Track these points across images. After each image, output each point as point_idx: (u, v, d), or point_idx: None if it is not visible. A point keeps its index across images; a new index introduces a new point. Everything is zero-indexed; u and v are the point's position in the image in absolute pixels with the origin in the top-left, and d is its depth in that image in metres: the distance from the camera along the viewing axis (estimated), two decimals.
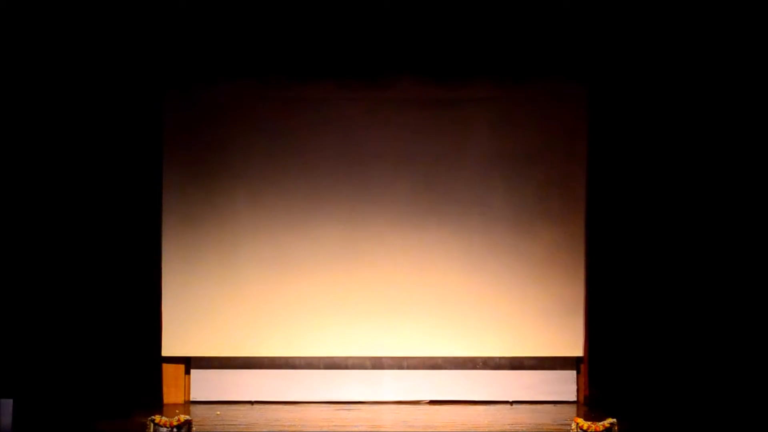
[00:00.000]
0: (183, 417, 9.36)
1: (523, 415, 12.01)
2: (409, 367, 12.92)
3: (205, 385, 12.83)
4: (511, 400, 12.77)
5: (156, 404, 12.29)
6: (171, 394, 12.72)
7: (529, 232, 12.79)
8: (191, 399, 12.81)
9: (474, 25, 12.40)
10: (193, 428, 9.42)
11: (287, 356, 12.84)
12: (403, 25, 12.36)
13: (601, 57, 12.20)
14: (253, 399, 12.73)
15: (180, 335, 12.63)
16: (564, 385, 12.85)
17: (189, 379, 12.87)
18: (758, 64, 11.64)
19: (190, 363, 12.87)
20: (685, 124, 11.89)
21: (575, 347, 12.68)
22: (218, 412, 12.11)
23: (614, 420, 9.22)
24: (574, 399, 12.81)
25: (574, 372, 12.87)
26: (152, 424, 9.28)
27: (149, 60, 12.16)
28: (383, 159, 12.87)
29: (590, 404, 12.25)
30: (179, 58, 12.52)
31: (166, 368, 12.69)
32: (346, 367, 12.90)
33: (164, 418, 9.31)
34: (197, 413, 11.80)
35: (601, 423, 9.19)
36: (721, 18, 11.61)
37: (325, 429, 11.23)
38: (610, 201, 12.15)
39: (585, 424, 9.23)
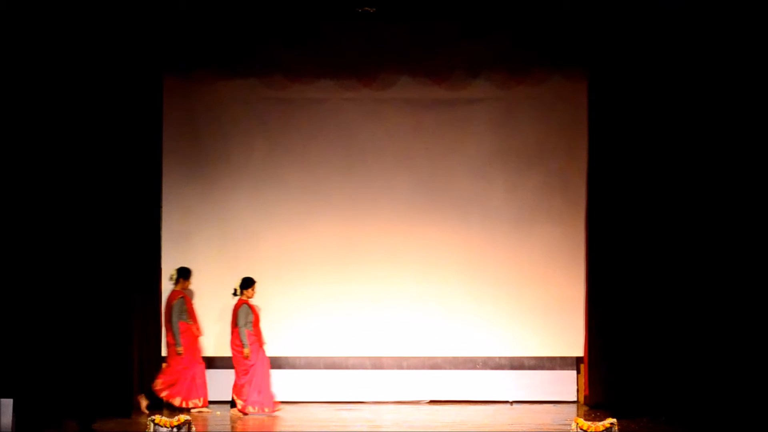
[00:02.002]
0: (183, 417, 9.35)
1: (523, 415, 12.01)
2: (409, 367, 12.93)
3: None
4: (511, 400, 12.77)
5: (156, 404, 12.29)
6: None
7: (529, 232, 12.80)
8: None
9: (475, 25, 12.39)
10: (193, 428, 9.41)
11: (287, 356, 12.84)
12: (401, 24, 12.37)
13: (600, 57, 12.19)
14: None
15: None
16: (564, 385, 12.85)
17: None
18: (758, 65, 11.64)
19: None
20: (686, 123, 11.86)
21: (575, 347, 12.69)
22: (218, 412, 12.11)
23: (614, 420, 9.21)
24: (574, 399, 12.82)
25: (574, 372, 12.87)
26: (152, 424, 9.27)
27: (149, 59, 12.15)
28: (383, 159, 12.88)
29: (590, 404, 12.24)
30: (179, 58, 12.53)
31: None
32: (346, 367, 12.90)
33: (164, 418, 9.30)
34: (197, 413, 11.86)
35: (601, 423, 9.18)
36: (721, 19, 11.60)
37: (325, 429, 11.24)
38: (611, 200, 12.13)
39: (585, 424, 9.21)
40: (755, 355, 11.50)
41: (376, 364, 12.93)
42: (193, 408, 12.01)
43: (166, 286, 12.50)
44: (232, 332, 12.08)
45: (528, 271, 12.78)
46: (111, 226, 11.88)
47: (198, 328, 12.35)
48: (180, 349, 12.10)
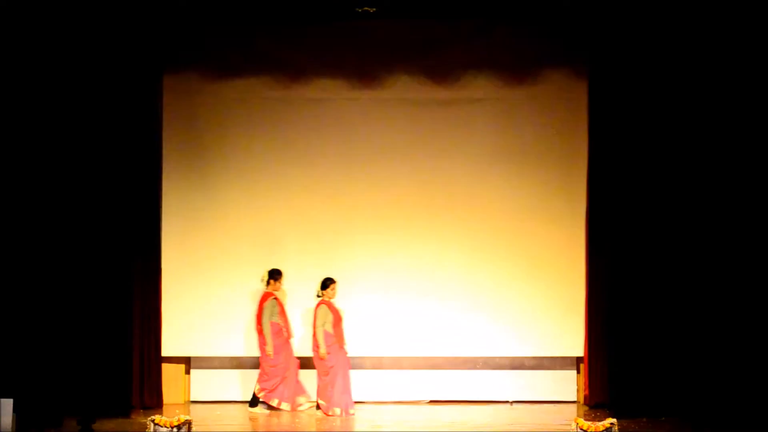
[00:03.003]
0: (183, 417, 9.37)
1: (523, 415, 12.01)
2: (409, 367, 12.92)
3: (205, 385, 12.84)
4: (511, 400, 12.77)
5: (156, 404, 12.29)
6: (171, 394, 12.72)
7: (529, 232, 12.78)
8: (191, 399, 12.81)
9: (474, 25, 12.39)
10: (193, 428, 9.42)
11: None
12: (401, 24, 12.37)
13: (600, 56, 12.20)
14: None
15: (180, 335, 12.63)
16: (564, 385, 12.85)
17: (189, 379, 12.89)
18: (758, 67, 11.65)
19: (190, 363, 12.88)
20: (687, 123, 11.88)
21: (575, 347, 12.67)
22: (218, 412, 12.11)
23: (614, 420, 9.23)
24: (574, 399, 12.81)
25: (574, 372, 12.87)
26: (152, 424, 9.29)
27: (149, 58, 12.17)
28: (383, 159, 12.86)
29: (590, 404, 12.24)
30: (179, 58, 12.53)
31: (166, 368, 12.69)
32: None
33: (164, 418, 9.32)
34: (197, 413, 11.82)
35: (601, 423, 9.19)
36: (721, 18, 11.61)
37: (325, 429, 11.23)
38: (611, 200, 12.14)
39: (585, 424, 9.23)
40: (755, 355, 11.51)
41: (376, 364, 12.92)
42: (299, 406, 12.09)
43: (166, 285, 12.50)
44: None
45: (528, 271, 12.76)
46: (111, 226, 11.90)
47: (289, 330, 12.30)
48: (269, 348, 12.07)
